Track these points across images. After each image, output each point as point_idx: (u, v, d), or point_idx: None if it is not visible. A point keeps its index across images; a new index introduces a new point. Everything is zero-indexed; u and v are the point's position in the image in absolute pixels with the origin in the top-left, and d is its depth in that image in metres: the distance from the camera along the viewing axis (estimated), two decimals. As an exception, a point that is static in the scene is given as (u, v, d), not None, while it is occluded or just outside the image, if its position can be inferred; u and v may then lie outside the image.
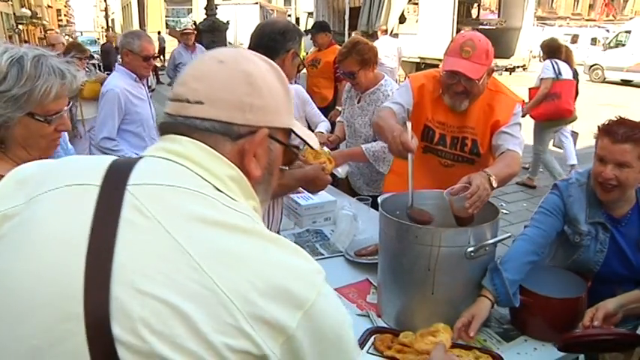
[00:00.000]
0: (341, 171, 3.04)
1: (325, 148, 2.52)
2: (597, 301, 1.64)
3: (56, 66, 1.32)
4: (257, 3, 19.05)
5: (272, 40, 2.00)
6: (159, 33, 18.25)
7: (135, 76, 3.38)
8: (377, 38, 9.07)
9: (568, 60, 5.86)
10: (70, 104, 1.43)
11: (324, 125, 3.46)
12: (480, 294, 1.65)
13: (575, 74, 5.94)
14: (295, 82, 5.91)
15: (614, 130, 1.72)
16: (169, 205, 0.72)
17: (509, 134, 2.16)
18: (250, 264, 0.70)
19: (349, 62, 2.99)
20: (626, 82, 18.00)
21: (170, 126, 0.83)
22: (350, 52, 2.99)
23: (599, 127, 1.80)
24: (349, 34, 11.74)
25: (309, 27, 9.05)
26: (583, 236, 1.86)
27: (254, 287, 0.68)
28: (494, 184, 1.82)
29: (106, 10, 47.31)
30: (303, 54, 8.08)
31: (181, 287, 0.66)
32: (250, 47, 2.01)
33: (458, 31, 12.22)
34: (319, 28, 6.38)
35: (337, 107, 4.55)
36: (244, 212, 0.77)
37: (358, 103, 3.12)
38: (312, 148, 0.98)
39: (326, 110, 3.91)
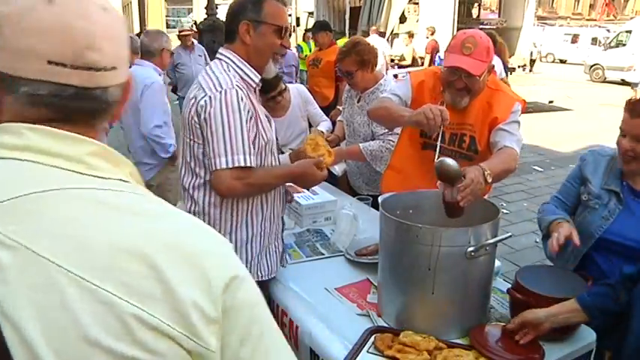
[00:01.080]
0: (338, 169, 3.05)
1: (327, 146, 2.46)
2: (593, 269, 1.81)
3: None
4: (257, 3, 18.97)
5: (227, 25, 1.89)
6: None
7: (160, 70, 3.84)
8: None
9: (500, 54, 6.33)
10: None
11: (325, 124, 3.46)
12: (557, 224, 1.89)
13: (505, 68, 6.50)
14: (299, 82, 5.92)
15: (636, 107, 1.80)
16: (32, 220, 0.61)
17: (507, 131, 2.17)
18: (149, 254, 0.62)
19: (348, 62, 3.00)
20: (626, 82, 18.00)
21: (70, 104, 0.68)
22: (349, 52, 3.00)
23: (626, 102, 1.87)
24: (350, 34, 11.75)
25: (309, 27, 9.04)
26: (592, 197, 1.95)
27: (159, 281, 0.62)
28: (489, 179, 1.84)
29: (106, 9, 47.29)
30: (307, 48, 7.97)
31: (79, 313, 0.59)
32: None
33: (458, 30, 12.22)
34: (320, 27, 6.37)
35: (338, 107, 4.55)
36: (119, 189, 0.68)
37: (358, 102, 3.13)
38: None
39: (327, 110, 3.93)
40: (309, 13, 16.90)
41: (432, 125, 1.94)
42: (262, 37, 1.84)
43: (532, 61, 21.26)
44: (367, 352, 1.58)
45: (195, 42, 7.35)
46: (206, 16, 11.40)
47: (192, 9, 31.63)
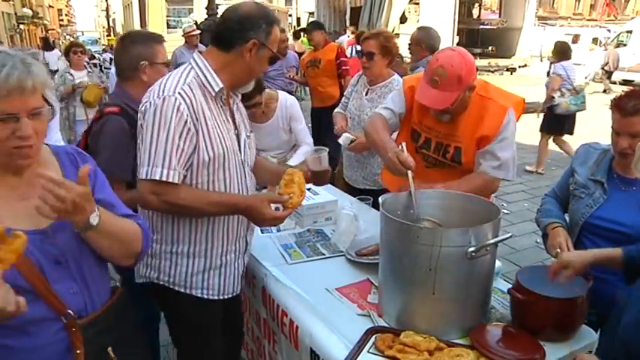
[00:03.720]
0: (343, 141, 3.08)
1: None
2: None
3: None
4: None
5: (228, 29, 1.76)
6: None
7: None
8: None
9: None
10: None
11: (303, 151, 3.23)
12: (551, 229, 2.01)
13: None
14: (299, 84, 5.90)
15: (624, 104, 1.82)
16: None
17: (491, 153, 2.17)
18: None
19: (372, 43, 3.07)
20: (627, 82, 17.97)
21: None
22: (376, 35, 3.10)
23: (611, 100, 1.90)
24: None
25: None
26: (578, 186, 2.05)
27: None
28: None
29: (107, 10, 47.36)
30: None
31: None
32: (211, 38, 1.84)
33: (459, 30, 12.22)
34: (315, 26, 6.37)
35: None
36: None
37: (366, 95, 3.15)
38: None
39: (333, 109, 3.88)
40: (310, 13, 16.92)
41: (398, 173, 2.01)
42: (260, 61, 1.80)
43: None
44: (368, 352, 1.58)
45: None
46: (207, 16, 11.43)
47: (192, 9, 31.60)
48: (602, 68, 16.81)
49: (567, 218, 2.12)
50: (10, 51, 1.22)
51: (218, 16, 11.21)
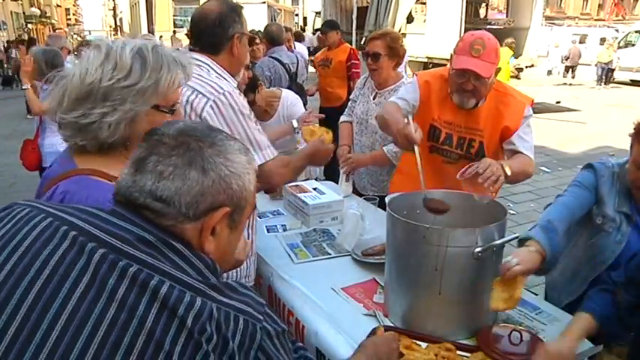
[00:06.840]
0: (345, 189, 3.04)
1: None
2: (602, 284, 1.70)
3: (171, 55, 1.29)
4: (265, 2, 19.03)
5: (212, 35, 1.88)
6: (174, 32, 18.01)
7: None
8: None
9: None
10: None
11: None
12: (526, 244, 1.68)
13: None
14: (303, 81, 5.90)
15: None
16: None
17: (521, 137, 2.23)
18: None
19: (378, 44, 3.00)
20: (635, 83, 17.86)
21: None
22: (383, 36, 3.05)
23: (635, 129, 1.69)
24: (357, 34, 11.76)
25: (317, 26, 9.00)
26: (607, 220, 1.85)
27: None
28: (508, 172, 1.90)
29: (114, 9, 47.64)
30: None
31: None
32: (192, 49, 1.94)
33: (466, 30, 12.18)
34: (330, 26, 6.34)
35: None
36: None
37: (374, 99, 3.11)
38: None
39: (341, 109, 3.87)
40: (317, 12, 16.92)
41: (404, 145, 2.03)
42: (243, 47, 1.94)
43: (611, 71, 18.20)
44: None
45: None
46: (213, 15, 11.45)
47: (199, 8, 31.66)
48: (563, 63, 17.27)
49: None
50: (166, 50, 1.30)
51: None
